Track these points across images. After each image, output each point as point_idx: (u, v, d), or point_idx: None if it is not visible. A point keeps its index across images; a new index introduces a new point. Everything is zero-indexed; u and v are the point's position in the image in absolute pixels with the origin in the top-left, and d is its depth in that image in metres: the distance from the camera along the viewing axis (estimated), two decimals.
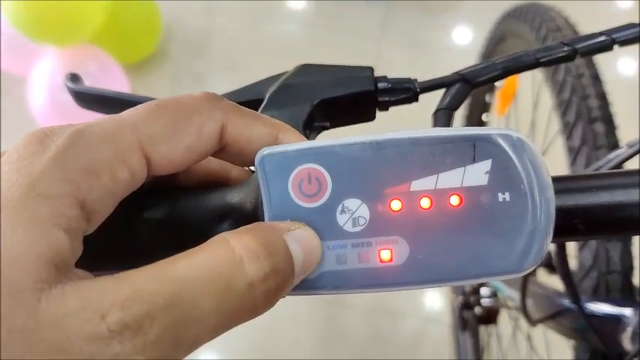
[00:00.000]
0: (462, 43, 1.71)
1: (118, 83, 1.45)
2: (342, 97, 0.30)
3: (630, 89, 1.65)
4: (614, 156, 0.43)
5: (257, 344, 1.29)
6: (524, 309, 0.60)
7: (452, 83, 0.31)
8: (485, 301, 0.87)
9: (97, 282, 0.17)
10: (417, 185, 0.22)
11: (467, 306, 0.91)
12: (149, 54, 1.61)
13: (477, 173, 0.22)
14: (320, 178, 0.22)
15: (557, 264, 0.50)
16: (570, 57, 0.31)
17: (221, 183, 0.26)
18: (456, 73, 0.31)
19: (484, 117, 1.12)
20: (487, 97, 1.09)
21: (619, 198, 0.25)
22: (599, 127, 0.66)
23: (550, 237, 0.23)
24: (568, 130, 0.68)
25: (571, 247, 0.78)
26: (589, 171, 0.44)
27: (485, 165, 0.22)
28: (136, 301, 0.16)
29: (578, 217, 0.25)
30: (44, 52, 1.42)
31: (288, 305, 1.28)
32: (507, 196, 0.22)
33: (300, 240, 0.21)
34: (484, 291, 0.87)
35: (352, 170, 0.22)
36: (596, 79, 0.70)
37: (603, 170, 0.44)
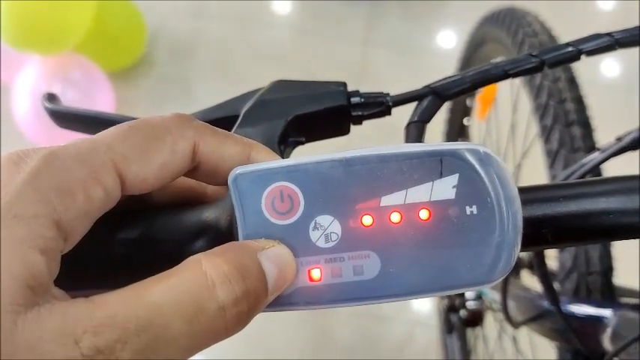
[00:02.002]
0: (446, 46, 1.72)
1: (103, 91, 1.44)
2: (316, 113, 0.30)
3: (614, 90, 1.67)
4: (588, 160, 0.44)
5: (246, 348, 1.29)
6: (505, 312, 0.61)
7: (423, 96, 0.31)
8: (470, 304, 0.88)
9: (72, 305, 0.17)
10: (387, 200, 0.23)
11: (452, 309, 0.92)
12: (134, 61, 1.61)
13: (445, 188, 0.22)
14: (292, 195, 0.22)
15: (535, 267, 0.50)
16: (538, 68, 0.32)
17: (197, 200, 0.26)
18: (427, 86, 0.31)
19: (465, 121, 1.13)
20: (468, 102, 1.10)
21: (585, 207, 0.25)
22: (576, 130, 0.67)
23: (518, 247, 0.23)
24: (546, 133, 0.69)
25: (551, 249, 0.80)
26: (563, 175, 0.45)
27: (453, 179, 0.23)
28: (108, 327, 0.17)
29: (547, 227, 0.25)
30: (28, 60, 1.41)
31: None
32: (475, 209, 0.22)
33: (274, 258, 0.21)
34: (469, 294, 0.88)
35: (324, 187, 0.22)
36: (573, 82, 0.71)
37: (577, 174, 0.45)
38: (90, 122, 0.33)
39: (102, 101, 1.44)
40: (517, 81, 0.81)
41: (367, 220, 0.23)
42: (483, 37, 0.94)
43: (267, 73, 1.64)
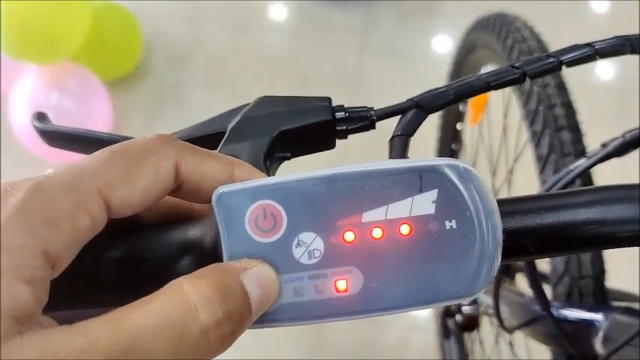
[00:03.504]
0: (442, 51, 1.73)
1: (100, 100, 1.45)
2: (301, 128, 0.30)
3: (608, 93, 1.68)
4: (575, 167, 0.45)
5: (242, 352, 1.29)
6: (498, 317, 0.61)
7: (407, 110, 0.32)
8: (466, 309, 0.88)
9: (55, 333, 0.18)
10: (369, 216, 0.23)
11: (448, 314, 0.92)
12: (131, 69, 1.61)
13: (425, 203, 0.23)
14: (275, 213, 0.23)
15: (525, 272, 0.51)
16: (520, 80, 0.32)
17: (185, 216, 0.27)
18: (411, 99, 0.32)
19: (458, 126, 1.14)
20: (461, 107, 1.11)
21: (566, 218, 0.26)
22: (566, 135, 0.67)
23: (498, 260, 0.24)
24: (536, 138, 0.69)
25: None
26: (551, 182, 0.46)
27: (432, 195, 0.23)
28: (90, 353, 0.17)
29: (528, 238, 0.26)
30: (25, 70, 1.41)
31: None
32: (454, 223, 0.23)
33: (257, 278, 0.22)
34: None
35: (306, 204, 0.23)
36: (562, 88, 0.72)
37: (565, 180, 0.45)
38: (80, 141, 0.34)
39: (99, 110, 1.45)
40: (507, 88, 0.82)
41: (349, 236, 0.23)
42: (474, 43, 0.95)
43: (263, 79, 1.66)
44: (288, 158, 0.31)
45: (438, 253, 0.23)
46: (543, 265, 0.83)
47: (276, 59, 1.71)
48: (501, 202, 0.26)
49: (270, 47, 1.73)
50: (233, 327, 0.20)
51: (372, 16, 1.77)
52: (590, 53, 0.33)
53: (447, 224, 0.23)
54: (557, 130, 0.68)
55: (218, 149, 0.30)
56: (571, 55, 0.33)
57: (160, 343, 0.18)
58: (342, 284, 0.23)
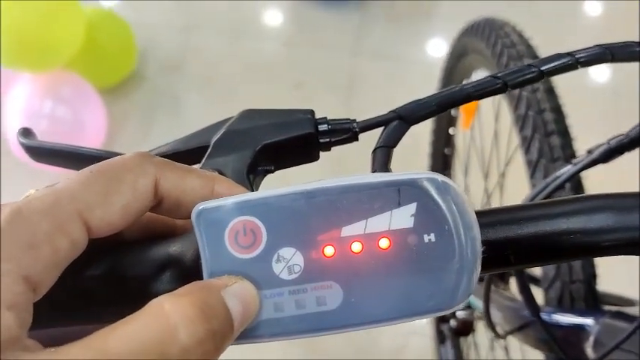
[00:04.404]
0: (435, 55, 1.73)
1: (94, 107, 1.45)
2: (284, 141, 0.31)
3: (602, 96, 1.69)
4: (561, 173, 0.45)
5: (236, 357, 1.29)
6: (489, 323, 0.61)
7: (389, 121, 0.32)
8: (461, 314, 0.88)
9: (36, 356, 0.18)
10: (348, 231, 0.23)
11: (443, 319, 0.92)
12: (125, 77, 1.61)
13: (403, 216, 0.23)
14: (255, 229, 0.23)
15: (515, 278, 0.51)
16: (501, 90, 0.33)
17: (167, 232, 0.27)
18: (393, 111, 0.32)
19: (451, 131, 1.14)
20: (453, 112, 1.11)
21: (546, 228, 0.26)
22: (555, 140, 0.68)
23: (478, 272, 0.24)
24: (526, 144, 0.70)
25: None
26: (538, 188, 0.46)
27: (411, 208, 0.23)
28: None
29: (509, 249, 0.26)
30: (19, 78, 1.41)
31: None
32: (433, 236, 0.23)
33: (238, 294, 0.22)
34: None
35: (285, 220, 0.23)
36: (551, 92, 0.72)
37: (552, 186, 0.46)
38: (65, 157, 0.34)
39: (93, 118, 1.45)
40: None
41: (329, 250, 0.23)
42: (464, 49, 0.95)
43: (256, 86, 1.66)
44: (272, 171, 0.32)
45: (418, 267, 0.23)
46: (536, 269, 0.83)
47: (270, 65, 1.71)
48: (481, 214, 0.26)
49: (264, 53, 1.73)
50: (216, 345, 0.20)
51: (366, 20, 1.77)
52: (571, 62, 0.33)
53: (426, 237, 0.23)
54: (546, 135, 0.68)
55: (201, 163, 0.30)
56: (552, 64, 0.33)
57: None
58: (321, 299, 0.23)
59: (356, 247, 0.23)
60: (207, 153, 0.30)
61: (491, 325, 0.61)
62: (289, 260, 0.23)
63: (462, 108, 1.04)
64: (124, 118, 1.60)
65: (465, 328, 0.87)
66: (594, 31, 1.80)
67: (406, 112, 0.32)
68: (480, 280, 0.86)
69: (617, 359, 0.48)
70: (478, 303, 0.77)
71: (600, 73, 1.72)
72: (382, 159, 0.31)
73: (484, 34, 0.84)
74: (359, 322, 0.23)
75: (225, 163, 0.30)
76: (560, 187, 0.44)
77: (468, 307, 0.88)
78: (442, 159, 1.19)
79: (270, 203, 0.23)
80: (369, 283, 0.23)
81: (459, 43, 0.98)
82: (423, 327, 1.34)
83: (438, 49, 1.74)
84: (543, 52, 0.69)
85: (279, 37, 1.79)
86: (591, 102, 1.65)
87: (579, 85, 1.69)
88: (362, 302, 0.23)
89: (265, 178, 0.33)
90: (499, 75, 0.33)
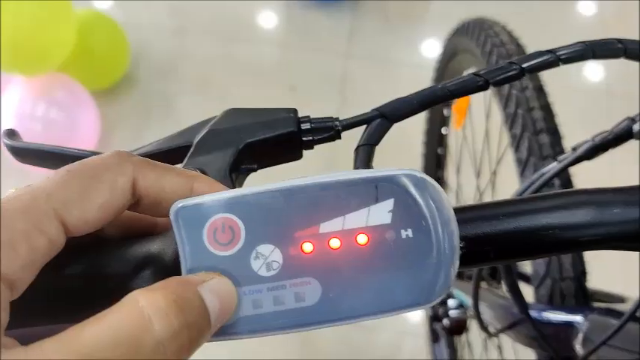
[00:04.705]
0: (427, 56, 1.73)
1: (87, 110, 1.45)
2: (266, 140, 0.31)
3: (594, 95, 1.69)
4: (546, 171, 0.45)
5: (229, 356, 1.29)
6: (480, 321, 0.62)
7: (372, 119, 0.32)
8: (453, 313, 0.88)
9: (10, 354, 0.18)
10: (326, 227, 0.23)
11: (436, 318, 0.92)
12: (118, 79, 1.61)
13: (381, 212, 0.23)
14: (233, 226, 0.23)
15: (503, 276, 0.51)
16: (483, 87, 0.33)
17: (148, 230, 0.27)
18: (375, 109, 0.32)
19: (443, 130, 1.14)
20: (445, 112, 1.11)
21: (526, 223, 0.26)
22: (545, 138, 0.68)
23: (455, 267, 0.24)
24: (515, 142, 0.70)
25: None
26: (524, 186, 0.46)
27: (388, 204, 0.23)
28: None
29: (488, 244, 0.26)
30: (12, 81, 1.41)
31: None
32: (410, 232, 0.23)
33: (216, 290, 0.22)
34: (451, 302, 0.88)
35: (264, 217, 0.23)
36: (540, 91, 0.72)
37: (538, 183, 0.46)
38: (50, 158, 0.34)
39: (86, 120, 1.45)
40: (488, 91, 0.82)
41: (308, 247, 0.23)
42: (455, 49, 0.96)
43: (249, 88, 1.66)
44: (255, 170, 0.32)
45: (395, 262, 0.23)
46: (527, 267, 0.83)
47: (263, 68, 1.72)
48: (460, 210, 0.26)
49: (257, 56, 1.74)
50: (191, 338, 0.20)
51: (358, 22, 1.78)
52: (552, 60, 0.34)
53: (403, 233, 0.23)
54: (535, 133, 0.68)
55: (184, 162, 0.30)
56: (533, 62, 0.33)
57: (114, 357, 0.18)
58: (300, 295, 0.23)
59: (334, 243, 0.23)
60: (190, 152, 0.30)
61: (481, 323, 0.62)
62: (268, 257, 0.23)
63: (454, 107, 1.04)
64: (117, 121, 1.60)
65: (458, 327, 0.87)
66: (587, 30, 1.81)
67: (388, 111, 0.32)
68: (470, 278, 0.86)
69: (606, 355, 0.49)
70: (470, 302, 0.78)
71: (594, 72, 1.73)
72: (364, 156, 0.31)
73: (474, 34, 0.85)
74: (337, 318, 0.23)
75: (208, 161, 0.30)
76: (547, 184, 0.44)
77: (461, 306, 0.88)
78: (435, 159, 1.19)
79: (248, 200, 0.23)
80: (347, 278, 0.23)
81: (450, 43, 0.99)
82: (417, 327, 1.34)
83: (430, 50, 1.75)
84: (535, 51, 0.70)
85: (272, 39, 1.79)
86: (585, 101, 1.65)
87: (573, 84, 1.69)
88: (340, 298, 0.23)
89: (251, 177, 0.33)
90: (481, 73, 0.33)
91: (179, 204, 0.23)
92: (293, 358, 1.31)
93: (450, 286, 0.24)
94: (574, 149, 0.43)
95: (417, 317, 1.36)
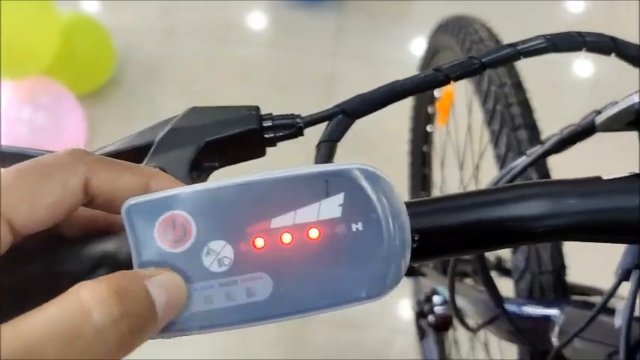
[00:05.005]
0: (413, 54, 1.74)
1: (72, 113, 1.45)
2: (227, 137, 0.31)
3: (581, 90, 1.70)
4: (515, 165, 0.45)
5: (222, 355, 1.29)
6: (459, 317, 0.62)
7: (333, 116, 0.32)
8: (439, 309, 0.88)
9: None
10: (277, 222, 0.23)
11: (422, 314, 0.93)
12: (104, 82, 1.61)
13: (331, 206, 0.23)
14: (184, 223, 0.23)
15: (477, 270, 0.52)
16: (444, 82, 0.33)
17: (107, 228, 0.27)
18: (337, 106, 0.32)
19: (429, 128, 1.15)
20: (430, 109, 1.12)
21: (478, 216, 0.26)
22: (523, 134, 0.68)
23: (407, 260, 0.24)
24: (494, 138, 0.70)
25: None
26: (494, 179, 0.46)
27: (339, 198, 0.24)
28: None
29: (442, 237, 0.26)
30: None
31: None
32: (360, 225, 0.23)
33: (163, 284, 0.22)
34: (436, 299, 0.89)
35: (215, 213, 0.23)
36: (519, 87, 0.73)
37: (507, 177, 0.46)
38: (9, 158, 0.34)
39: (72, 123, 1.44)
40: (470, 87, 0.83)
41: (259, 242, 0.23)
42: (437, 46, 0.96)
43: (236, 89, 1.66)
44: (217, 168, 0.32)
45: (346, 255, 0.23)
46: (508, 261, 0.83)
47: (249, 68, 1.72)
48: (414, 204, 0.26)
49: (243, 57, 1.74)
50: (132, 328, 0.20)
51: (344, 21, 1.78)
52: (512, 54, 0.34)
53: (354, 227, 0.23)
54: (514, 128, 0.69)
55: (145, 161, 0.30)
56: (493, 56, 0.34)
57: (53, 347, 0.18)
58: (251, 291, 0.23)
59: (286, 238, 0.23)
60: (151, 151, 0.31)
61: (461, 319, 0.62)
62: (219, 253, 0.23)
63: (438, 105, 1.04)
64: (103, 124, 1.60)
65: (444, 324, 0.87)
66: (575, 29, 1.81)
67: (350, 107, 0.32)
68: (458, 274, 0.86)
69: (581, 347, 0.49)
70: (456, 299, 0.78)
71: (583, 68, 1.74)
72: (325, 153, 0.31)
73: (454, 31, 0.85)
74: (288, 312, 0.23)
75: (168, 160, 0.30)
76: (516, 178, 0.45)
77: (446, 302, 0.88)
78: (421, 157, 1.19)
79: (199, 197, 0.23)
80: (299, 273, 0.23)
81: (432, 40, 0.99)
82: (408, 325, 1.34)
83: (416, 48, 1.75)
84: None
85: (258, 40, 1.79)
86: (570, 98, 1.66)
87: (559, 81, 1.70)
88: (292, 292, 0.23)
89: (216, 174, 0.33)
90: (442, 68, 0.33)
91: (131, 201, 0.23)
92: (280, 355, 1.31)
93: (401, 279, 0.24)
94: (542, 143, 0.43)
95: (408, 315, 1.36)
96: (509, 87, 0.72)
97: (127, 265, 0.24)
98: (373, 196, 0.24)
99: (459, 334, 1.07)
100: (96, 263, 0.25)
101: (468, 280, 0.80)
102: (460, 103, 0.96)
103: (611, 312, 0.46)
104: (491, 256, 0.89)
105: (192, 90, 1.66)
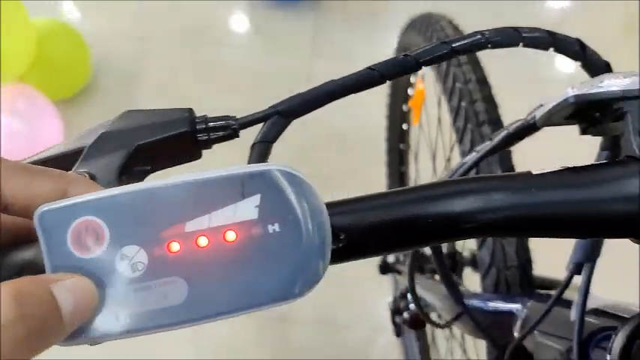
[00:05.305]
0: (390, 53, 1.74)
1: (49, 120, 1.44)
2: (159, 141, 0.31)
3: (561, 86, 1.70)
4: (466, 160, 0.45)
5: (207, 355, 1.29)
6: (423, 314, 0.62)
7: (268, 117, 0.32)
8: (413, 307, 0.88)
9: None
10: (192, 225, 0.23)
11: (397, 312, 0.93)
12: (81, 88, 1.60)
13: (248, 208, 0.23)
14: (97, 228, 0.23)
15: (435, 266, 0.52)
16: (380, 81, 0.33)
17: (29, 236, 0.27)
18: (272, 107, 0.32)
19: (404, 126, 1.15)
20: (404, 108, 1.12)
21: (403, 214, 0.26)
22: (487, 130, 0.68)
23: (326, 260, 0.24)
24: (459, 135, 0.70)
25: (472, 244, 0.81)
26: (446, 175, 0.46)
27: (255, 200, 0.23)
28: None
29: (367, 236, 0.26)
30: None
31: (236, 323, 1.29)
32: (277, 226, 0.23)
33: (71, 288, 0.22)
34: (410, 297, 0.89)
35: (128, 218, 0.23)
36: (483, 83, 0.73)
37: (459, 173, 0.46)
38: None
39: (49, 130, 1.44)
40: (440, 85, 0.83)
41: (175, 246, 0.23)
42: (406, 44, 0.96)
43: (214, 91, 1.66)
44: (150, 171, 0.32)
45: (263, 257, 0.23)
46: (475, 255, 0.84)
47: (227, 70, 1.71)
48: (340, 203, 0.26)
49: (221, 59, 1.73)
50: (29, 331, 0.20)
51: (320, 20, 1.78)
52: (447, 51, 0.34)
53: (270, 228, 0.23)
54: (478, 125, 0.69)
55: (75, 167, 0.30)
56: (429, 55, 0.34)
57: None
58: (165, 295, 0.23)
59: (202, 241, 0.23)
60: (82, 156, 0.30)
61: (425, 316, 0.62)
62: (132, 258, 0.23)
63: (411, 103, 1.05)
64: (80, 129, 1.56)
65: (418, 321, 0.87)
66: (554, 28, 1.82)
67: (285, 107, 0.32)
68: (433, 271, 0.86)
69: (544, 343, 0.49)
70: (426, 295, 0.78)
71: (563, 65, 1.74)
72: (259, 154, 0.31)
73: (421, 29, 0.85)
74: (202, 316, 0.23)
75: (98, 165, 0.30)
76: (467, 174, 0.45)
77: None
78: (398, 155, 1.19)
79: (111, 202, 0.23)
80: (215, 276, 0.23)
81: (402, 39, 0.99)
82: (390, 324, 1.34)
83: (392, 47, 1.75)
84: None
85: (235, 41, 1.79)
86: (552, 94, 1.66)
87: (545, 76, 1.70)
88: (207, 296, 0.23)
89: (150, 178, 0.33)
90: (375, 67, 0.33)
91: (43, 208, 0.23)
92: (266, 355, 1.31)
93: (321, 278, 0.24)
94: (491, 139, 0.43)
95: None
96: (474, 83, 0.72)
97: (44, 272, 0.24)
98: (291, 197, 0.24)
99: (437, 331, 1.08)
100: (17, 271, 0.24)
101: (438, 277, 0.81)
102: (431, 100, 0.97)
103: (567, 304, 0.46)
104: (465, 251, 0.89)
105: (169, 94, 1.65)
